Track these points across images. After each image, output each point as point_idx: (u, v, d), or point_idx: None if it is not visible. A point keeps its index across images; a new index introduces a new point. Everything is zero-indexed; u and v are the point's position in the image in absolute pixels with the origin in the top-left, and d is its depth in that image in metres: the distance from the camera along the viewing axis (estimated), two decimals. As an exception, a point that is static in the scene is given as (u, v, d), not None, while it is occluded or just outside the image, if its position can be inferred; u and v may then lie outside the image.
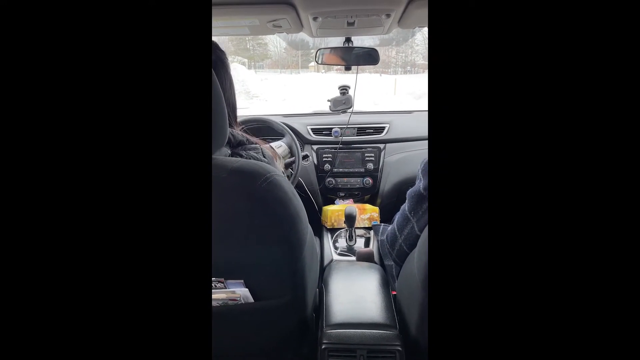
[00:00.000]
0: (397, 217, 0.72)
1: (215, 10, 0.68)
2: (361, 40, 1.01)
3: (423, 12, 0.69)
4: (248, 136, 0.60)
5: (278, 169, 0.52)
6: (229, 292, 0.54)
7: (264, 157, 0.59)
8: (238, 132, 0.59)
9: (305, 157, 1.30)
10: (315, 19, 0.71)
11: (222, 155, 0.53)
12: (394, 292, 0.72)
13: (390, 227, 0.75)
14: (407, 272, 0.62)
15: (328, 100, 1.44)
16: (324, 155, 1.31)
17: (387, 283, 0.71)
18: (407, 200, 0.66)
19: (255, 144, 0.60)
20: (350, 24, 0.76)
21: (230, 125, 0.60)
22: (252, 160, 0.48)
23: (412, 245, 0.63)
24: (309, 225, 0.53)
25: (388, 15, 0.70)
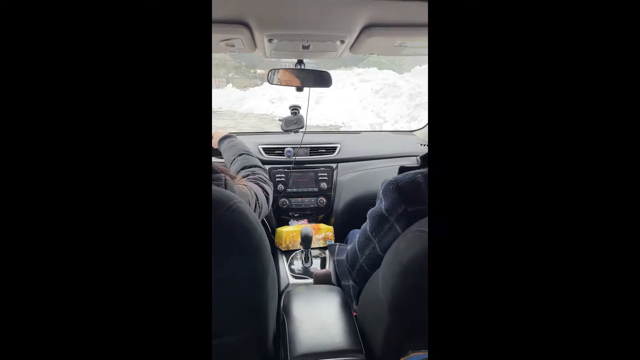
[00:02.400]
0: (356, 236, 0.72)
1: None
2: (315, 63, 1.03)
3: (374, 40, 0.72)
4: (213, 166, 0.56)
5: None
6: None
7: (226, 189, 0.56)
8: None
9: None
10: (270, 40, 0.71)
11: None
12: (354, 313, 0.72)
13: (350, 247, 0.75)
14: (370, 293, 0.62)
15: (279, 120, 1.44)
16: (277, 176, 1.29)
17: (347, 305, 0.70)
18: (368, 220, 0.66)
19: (220, 173, 0.57)
20: (305, 47, 0.77)
21: None
22: (213, 187, 0.44)
23: (374, 266, 0.63)
24: (271, 255, 0.51)
25: (342, 42, 0.73)
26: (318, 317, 0.65)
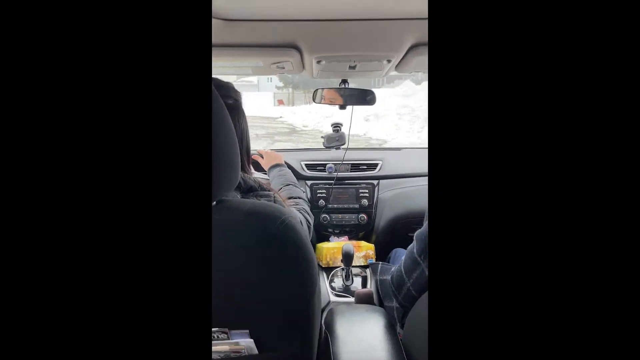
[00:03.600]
0: (403, 258, 0.70)
1: (221, 51, 0.69)
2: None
3: (422, 59, 0.72)
4: (261, 183, 0.59)
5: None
6: (232, 343, 0.49)
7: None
8: (250, 178, 0.57)
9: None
10: (319, 62, 0.74)
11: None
12: (400, 336, 0.69)
13: (395, 269, 0.73)
14: (419, 317, 0.59)
15: (322, 137, 1.47)
16: (318, 191, 1.30)
17: (393, 327, 0.68)
18: (415, 242, 0.65)
19: (269, 191, 0.59)
20: (351, 67, 0.79)
21: (244, 169, 0.59)
22: (265, 202, 0.46)
23: (423, 290, 0.61)
24: (318, 272, 0.51)
25: (389, 61, 0.74)
26: (363, 339, 0.63)
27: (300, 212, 0.85)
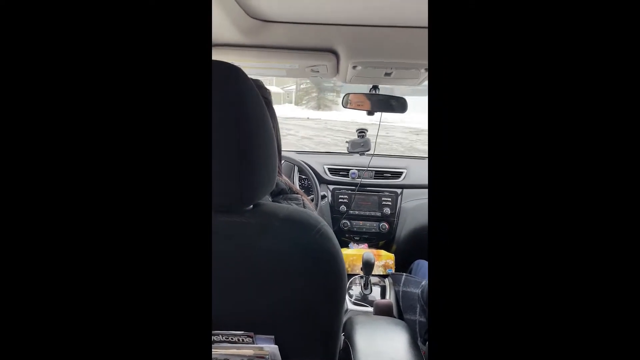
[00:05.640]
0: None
1: (260, 53, 0.69)
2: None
3: None
4: (290, 185, 0.58)
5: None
6: (257, 348, 0.49)
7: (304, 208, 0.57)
8: (280, 180, 0.57)
9: (323, 197, 1.28)
10: (355, 67, 0.73)
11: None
12: (423, 352, 0.67)
13: (427, 282, 0.71)
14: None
15: (346, 142, 1.46)
16: (340, 196, 1.29)
17: (416, 343, 0.66)
18: None
19: (297, 193, 0.58)
20: (387, 74, 0.78)
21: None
22: (300, 208, 0.46)
23: None
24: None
25: (426, 69, 0.72)
26: (385, 352, 0.62)
27: None
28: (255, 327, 0.46)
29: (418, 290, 0.72)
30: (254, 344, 0.48)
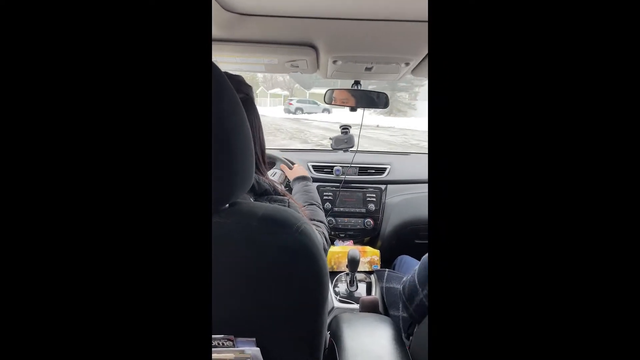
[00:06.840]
0: (417, 268, 0.68)
1: (236, 47, 0.67)
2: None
3: None
4: (276, 187, 0.56)
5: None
6: (238, 351, 0.47)
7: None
8: (264, 180, 0.55)
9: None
10: (335, 62, 0.72)
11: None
12: (407, 347, 0.67)
13: (407, 278, 0.71)
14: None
15: (330, 139, 1.45)
16: (324, 193, 1.28)
17: (401, 339, 0.66)
18: None
19: (283, 195, 0.56)
20: (368, 69, 0.77)
21: (258, 170, 0.56)
22: (280, 207, 0.44)
23: None
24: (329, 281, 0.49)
25: (407, 64, 0.72)
26: (371, 350, 0.61)
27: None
28: (236, 329, 0.45)
29: (400, 287, 0.72)
30: (234, 347, 0.47)
